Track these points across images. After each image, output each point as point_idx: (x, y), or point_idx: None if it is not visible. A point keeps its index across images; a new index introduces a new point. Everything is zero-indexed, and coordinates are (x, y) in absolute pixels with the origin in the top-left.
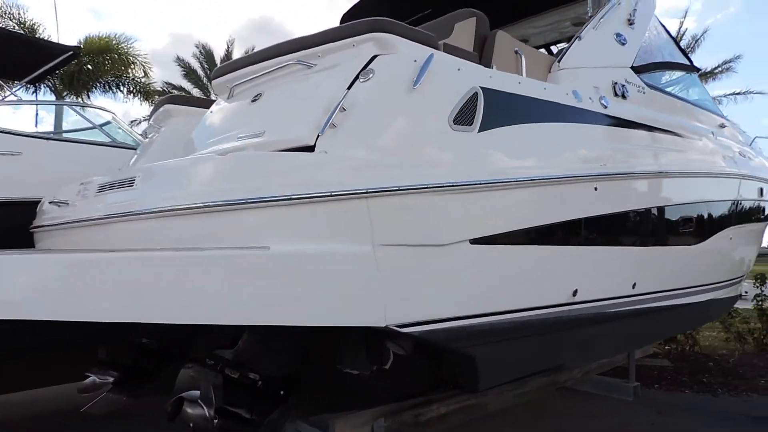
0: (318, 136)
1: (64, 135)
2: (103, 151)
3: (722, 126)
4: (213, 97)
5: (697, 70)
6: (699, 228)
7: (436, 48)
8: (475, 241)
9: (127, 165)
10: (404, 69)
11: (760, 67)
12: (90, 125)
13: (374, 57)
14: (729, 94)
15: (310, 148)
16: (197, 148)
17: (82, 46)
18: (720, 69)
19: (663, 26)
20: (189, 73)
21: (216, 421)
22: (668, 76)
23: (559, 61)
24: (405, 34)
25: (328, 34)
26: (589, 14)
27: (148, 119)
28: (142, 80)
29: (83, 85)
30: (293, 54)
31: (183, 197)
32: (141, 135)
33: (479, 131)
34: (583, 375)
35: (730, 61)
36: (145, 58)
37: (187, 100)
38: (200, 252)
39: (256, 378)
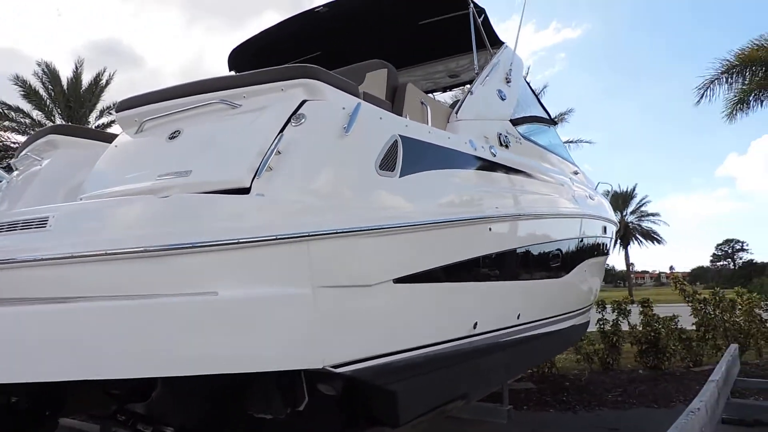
0: (254, 178)
1: None
2: None
3: (576, 173)
4: (59, 121)
5: (555, 123)
6: (564, 262)
7: (358, 96)
8: (397, 281)
9: None
10: (334, 115)
11: (584, 117)
12: None
13: (303, 102)
14: (565, 142)
15: (245, 190)
16: (104, 185)
17: None
18: (557, 120)
19: (528, 84)
20: (29, 93)
21: None
22: (535, 128)
23: (456, 113)
24: (332, 82)
25: (256, 76)
26: (476, 71)
27: (20, 149)
28: None
29: None
30: (216, 93)
31: (113, 241)
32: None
33: (400, 176)
34: (465, 403)
35: (564, 114)
36: None
37: (75, 130)
38: (150, 300)
39: (170, 431)
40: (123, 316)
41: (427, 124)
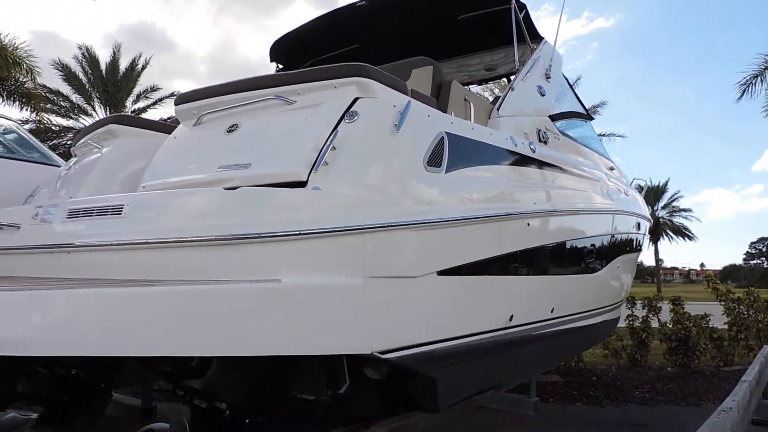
0: (311, 172)
1: None
2: (9, 165)
3: (611, 168)
4: (97, 104)
5: (592, 118)
6: (598, 258)
7: (407, 94)
8: (441, 273)
9: (55, 183)
10: (386, 113)
11: (616, 108)
12: None
13: (356, 99)
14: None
15: (302, 184)
16: (166, 175)
17: None
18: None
19: (566, 78)
20: (69, 78)
21: None
22: (573, 123)
23: (498, 109)
24: (383, 80)
25: (310, 74)
26: (516, 66)
27: (79, 136)
28: (27, 83)
29: None
30: (271, 89)
31: (184, 229)
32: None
33: (446, 172)
34: (493, 392)
35: (597, 106)
36: (33, 58)
37: (133, 120)
38: (218, 285)
39: (223, 407)
40: (197, 298)
41: (470, 120)
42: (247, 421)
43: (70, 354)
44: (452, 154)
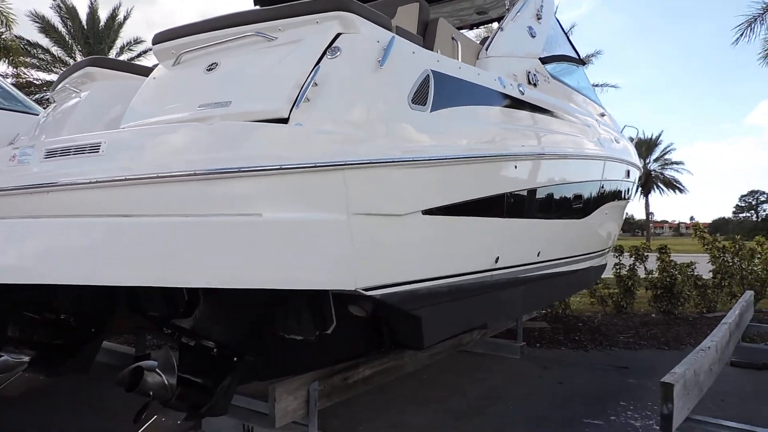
0: (292, 108)
1: None
2: None
3: (602, 115)
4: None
5: (584, 63)
6: (586, 204)
7: (391, 30)
8: (426, 212)
9: (34, 129)
10: (369, 49)
11: (611, 59)
12: None
13: (338, 35)
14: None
15: (283, 121)
16: (145, 115)
17: None
18: (586, 64)
19: (558, 22)
20: (48, 29)
21: (175, 389)
22: (564, 67)
23: (486, 49)
24: (366, 15)
25: (291, 9)
26: (507, 7)
27: (57, 81)
28: (3, 34)
29: None
30: (251, 25)
31: (163, 165)
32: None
33: (431, 111)
34: (480, 337)
35: (591, 56)
36: (9, 9)
37: (111, 63)
38: (201, 218)
39: (211, 346)
40: (176, 230)
41: (458, 59)
42: (235, 359)
43: (51, 281)
44: (438, 92)
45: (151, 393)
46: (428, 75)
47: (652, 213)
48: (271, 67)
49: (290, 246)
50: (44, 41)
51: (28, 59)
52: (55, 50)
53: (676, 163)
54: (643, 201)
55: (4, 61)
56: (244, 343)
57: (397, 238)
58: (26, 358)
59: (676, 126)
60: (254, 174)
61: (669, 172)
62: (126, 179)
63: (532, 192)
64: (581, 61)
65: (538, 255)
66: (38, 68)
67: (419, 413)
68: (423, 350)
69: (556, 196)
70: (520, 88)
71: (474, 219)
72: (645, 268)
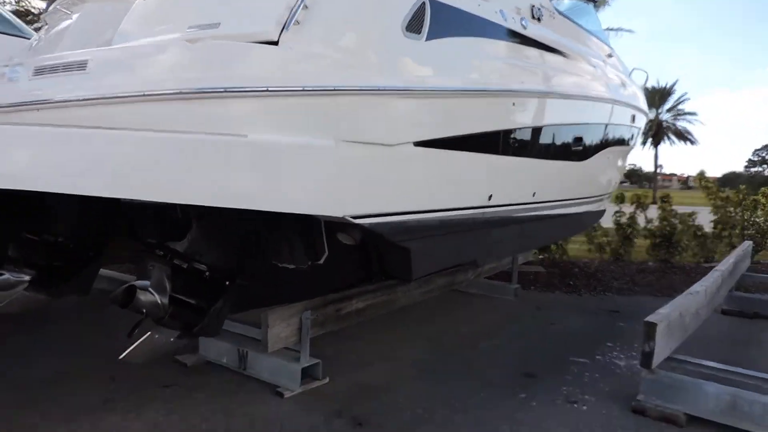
0: (282, 31)
1: None
2: None
3: (610, 56)
4: None
5: (594, 0)
6: (585, 146)
7: None
8: (417, 144)
9: (29, 53)
10: None
11: (628, 2)
12: None
13: None
14: (606, 29)
15: (273, 43)
16: (135, 36)
17: None
18: (597, 3)
19: None
20: None
21: (167, 308)
22: (572, 4)
23: None
24: None
25: None
26: None
27: (49, 2)
28: None
29: None
30: None
31: (150, 83)
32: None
33: (426, 40)
34: (475, 277)
35: None
36: None
37: None
38: (185, 135)
39: (203, 269)
40: (164, 145)
41: None
42: (227, 283)
43: (35, 188)
44: (434, 21)
45: (144, 310)
46: (424, 2)
47: (660, 165)
48: None
49: (276, 169)
50: None
51: None
52: None
53: (690, 113)
54: (652, 152)
55: None
56: (236, 268)
57: (386, 169)
58: (26, 278)
59: (694, 73)
60: (240, 95)
61: (681, 123)
62: (113, 97)
63: (530, 131)
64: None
65: (533, 195)
66: None
67: (412, 346)
68: (414, 284)
69: (555, 137)
70: (523, 22)
71: (468, 154)
72: (645, 217)
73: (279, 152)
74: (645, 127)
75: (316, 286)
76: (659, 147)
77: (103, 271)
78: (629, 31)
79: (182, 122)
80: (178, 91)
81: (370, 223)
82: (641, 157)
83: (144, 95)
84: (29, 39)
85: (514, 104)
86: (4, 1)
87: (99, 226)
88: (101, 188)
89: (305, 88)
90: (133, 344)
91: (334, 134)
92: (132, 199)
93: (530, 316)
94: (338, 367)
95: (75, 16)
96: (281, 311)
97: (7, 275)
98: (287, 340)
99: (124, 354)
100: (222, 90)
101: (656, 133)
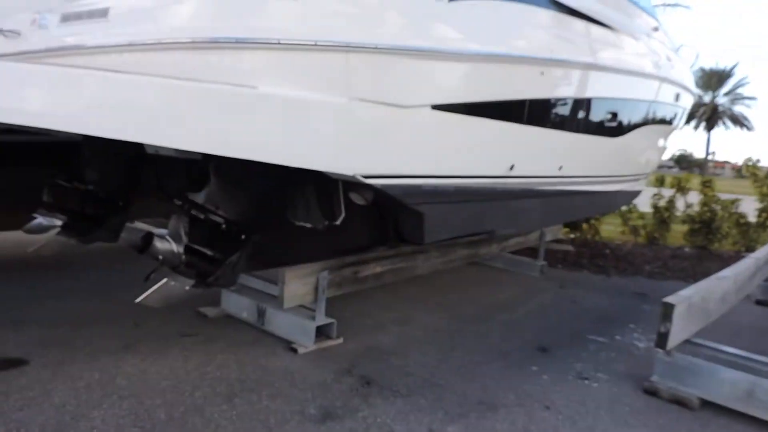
0: None
1: None
2: None
3: (656, 29)
4: None
5: None
6: (621, 122)
7: None
8: (435, 107)
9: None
10: None
11: None
12: None
13: None
14: (660, 5)
15: None
16: None
17: None
18: None
19: None
20: None
21: (183, 256)
22: None
23: None
24: None
25: None
26: None
27: None
28: None
29: None
30: None
31: (165, 31)
32: None
33: (449, 1)
34: (499, 251)
35: None
36: None
37: None
38: (198, 84)
39: (220, 221)
40: (173, 91)
41: None
42: (243, 237)
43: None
44: None
45: (160, 257)
46: None
47: (713, 152)
48: None
49: (285, 123)
50: None
51: None
52: None
53: (748, 98)
54: (704, 137)
55: None
56: (253, 223)
57: (401, 130)
58: (59, 222)
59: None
60: (252, 47)
61: (738, 108)
62: (129, 45)
63: (558, 102)
64: None
65: (559, 169)
66: None
67: (428, 314)
68: (435, 252)
69: (585, 110)
70: None
71: (489, 121)
72: (685, 201)
73: (287, 106)
74: (694, 108)
75: (332, 248)
76: (712, 132)
77: (136, 224)
78: (686, 7)
79: (195, 71)
80: (191, 40)
81: (383, 184)
82: (693, 142)
83: (159, 43)
84: None
85: (542, 73)
86: None
87: (128, 176)
88: (113, 130)
89: (318, 43)
90: (149, 289)
91: (347, 92)
92: (156, 150)
93: (553, 293)
94: (353, 329)
95: None
96: (298, 269)
97: (40, 219)
98: (303, 298)
99: (141, 297)
100: (233, 40)
101: (711, 117)
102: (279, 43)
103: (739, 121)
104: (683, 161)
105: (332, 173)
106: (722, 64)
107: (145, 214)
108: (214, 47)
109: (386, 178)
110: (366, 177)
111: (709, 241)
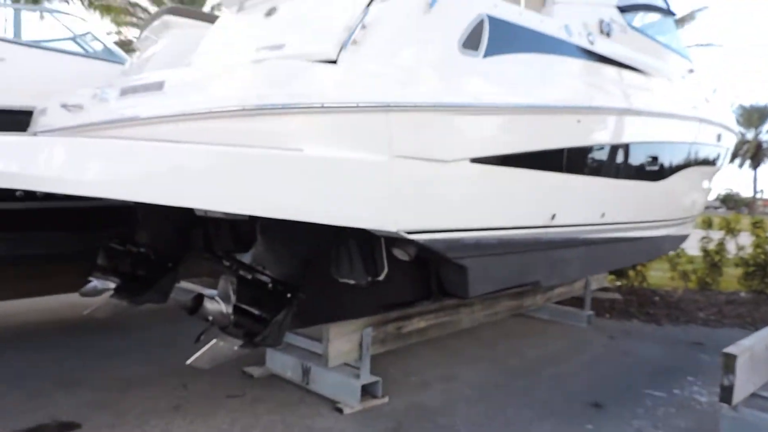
0: (341, 50)
1: (46, 44)
2: (84, 62)
3: (691, 71)
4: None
5: (674, 14)
6: (662, 166)
7: None
8: (474, 160)
9: (121, 76)
10: None
11: (716, 19)
12: (70, 35)
13: None
14: (692, 46)
15: (332, 62)
16: (209, 58)
17: None
18: (685, 18)
19: None
20: None
21: (232, 316)
22: (648, 17)
23: None
24: None
25: None
26: None
27: (141, 30)
28: None
29: None
30: None
31: (216, 100)
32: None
33: (484, 56)
34: (544, 302)
35: (696, 11)
36: None
37: (187, 12)
38: (247, 149)
39: (267, 280)
40: (223, 157)
41: (520, 5)
42: (289, 296)
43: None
44: (493, 38)
45: (210, 318)
46: (483, 20)
47: (761, 190)
48: (323, 10)
49: (330, 183)
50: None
51: (126, 18)
52: (153, 9)
53: None
54: (750, 175)
55: (107, 18)
56: (298, 281)
57: (442, 185)
58: (112, 285)
59: None
60: (297, 111)
61: None
62: (183, 115)
63: (597, 149)
64: (669, 12)
65: (602, 216)
66: (136, 26)
67: (474, 369)
68: (479, 305)
69: (625, 156)
70: (590, 38)
71: (528, 171)
72: (736, 243)
73: (333, 167)
74: (737, 147)
75: (376, 303)
76: (758, 169)
77: (182, 284)
78: (719, 46)
79: (245, 137)
80: (241, 108)
81: (425, 240)
82: (739, 181)
83: (211, 112)
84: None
85: (579, 121)
86: (109, 32)
87: (177, 238)
88: (167, 197)
89: (360, 104)
90: (199, 350)
91: (389, 150)
92: (205, 212)
93: (602, 345)
94: (398, 386)
95: (161, 42)
96: (342, 326)
97: (95, 282)
98: (348, 355)
99: (191, 359)
100: (280, 106)
101: (755, 154)
102: (323, 107)
103: None
104: (730, 201)
105: (377, 230)
106: (762, 101)
107: (190, 274)
108: (263, 113)
109: (429, 233)
110: (409, 233)
111: (766, 285)
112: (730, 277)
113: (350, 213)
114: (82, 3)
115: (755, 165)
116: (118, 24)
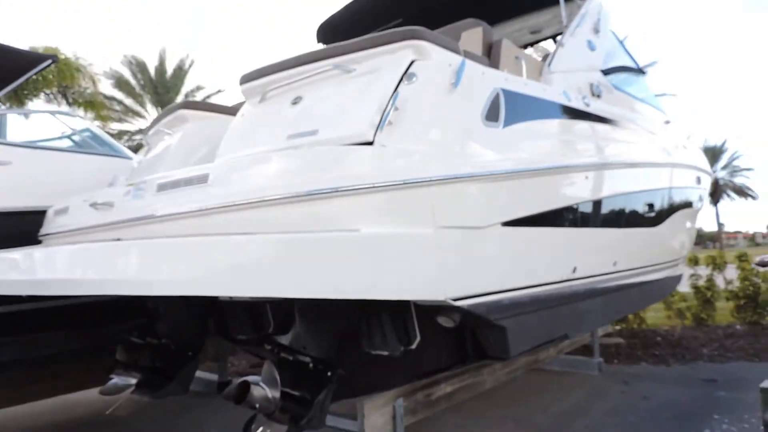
0: (376, 132)
1: (52, 144)
2: (88, 159)
3: (668, 122)
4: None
5: (644, 72)
6: (659, 212)
7: (459, 54)
8: (505, 224)
9: (135, 170)
10: (443, 73)
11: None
12: (71, 133)
13: (412, 62)
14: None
15: (369, 143)
16: (239, 148)
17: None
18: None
19: (614, 33)
20: (122, 84)
21: (278, 401)
22: (625, 77)
23: (549, 65)
24: (436, 42)
25: (367, 42)
26: (564, 23)
27: (151, 125)
28: (87, 90)
29: (26, 95)
30: (330, 60)
31: (265, 189)
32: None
33: (503, 127)
34: (557, 354)
35: (647, 65)
36: (92, 68)
37: (200, 105)
38: (305, 234)
39: (308, 360)
40: (287, 245)
41: (522, 77)
42: (329, 374)
43: (180, 293)
44: (509, 109)
45: (256, 405)
46: (498, 93)
47: (722, 223)
48: (352, 96)
49: (386, 258)
50: (118, 94)
51: (105, 112)
52: (129, 102)
53: (746, 169)
54: (713, 211)
55: (90, 113)
56: (336, 357)
57: (480, 250)
58: (133, 381)
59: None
60: (349, 193)
61: (739, 179)
62: (234, 204)
63: (605, 201)
64: (641, 71)
65: (614, 264)
66: (112, 119)
67: (500, 430)
68: (499, 364)
69: (628, 205)
70: (585, 101)
71: (550, 229)
72: (724, 277)
73: (388, 243)
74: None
75: (410, 372)
76: (719, 205)
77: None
78: (672, 95)
79: (299, 223)
80: (294, 194)
81: (469, 305)
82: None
83: (262, 201)
84: (126, 158)
85: (587, 177)
86: (102, 126)
87: (197, 325)
88: (230, 289)
89: (405, 182)
90: None
91: (433, 221)
92: (231, 298)
93: (619, 392)
94: None
95: (176, 135)
96: (375, 400)
97: (116, 379)
98: (383, 429)
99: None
100: (333, 190)
101: (714, 191)
102: (373, 186)
103: (742, 191)
104: (696, 237)
105: (425, 301)
106: (711, 141)
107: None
108: (313, 198)
109: (471, 297)
110: (455, 300)
111: (760, 316)
112: (723, 311)
113: (403, 286)
114: (67, 101)
115: (715, 201)
116: (103, 119)
